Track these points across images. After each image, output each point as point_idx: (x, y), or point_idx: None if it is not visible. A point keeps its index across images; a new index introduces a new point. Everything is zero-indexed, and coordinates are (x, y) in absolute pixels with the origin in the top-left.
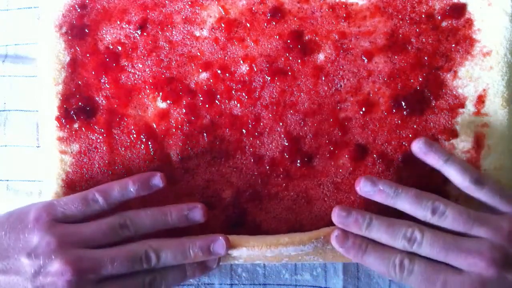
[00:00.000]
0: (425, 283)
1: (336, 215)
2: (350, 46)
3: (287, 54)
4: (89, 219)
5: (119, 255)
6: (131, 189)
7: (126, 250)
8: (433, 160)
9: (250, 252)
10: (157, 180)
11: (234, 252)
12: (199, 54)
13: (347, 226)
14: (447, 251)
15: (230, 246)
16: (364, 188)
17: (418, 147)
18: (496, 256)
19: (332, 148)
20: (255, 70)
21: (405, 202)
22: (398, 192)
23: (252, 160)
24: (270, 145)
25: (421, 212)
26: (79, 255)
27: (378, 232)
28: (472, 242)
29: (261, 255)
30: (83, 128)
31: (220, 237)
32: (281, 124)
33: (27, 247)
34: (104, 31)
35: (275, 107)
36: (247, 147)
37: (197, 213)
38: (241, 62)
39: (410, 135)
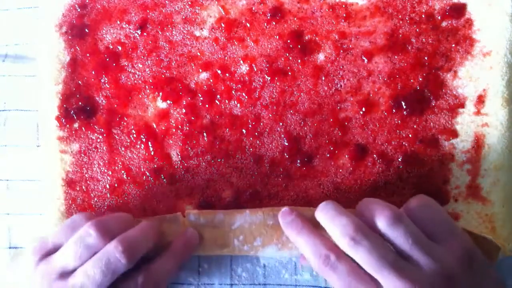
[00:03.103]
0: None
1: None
2: (350, 46)
3: (287, 54)
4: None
5: None
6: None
7: None
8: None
9: (253, 218)
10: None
11: (237, 221)
12: (199, 54)
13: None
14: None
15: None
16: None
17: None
18: None
19: (332, 148)
20: (255, 70)
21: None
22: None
23: (252, 160)
24: (270, 145)
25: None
26: None
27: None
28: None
29: (263, 223)
30: (83, 128)
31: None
32: (281, 124)
33: None
34: (104, 31)
35: (275, 107)
36: (247, 147)
37: None
38: (241, 62)
39: (410, 135)
